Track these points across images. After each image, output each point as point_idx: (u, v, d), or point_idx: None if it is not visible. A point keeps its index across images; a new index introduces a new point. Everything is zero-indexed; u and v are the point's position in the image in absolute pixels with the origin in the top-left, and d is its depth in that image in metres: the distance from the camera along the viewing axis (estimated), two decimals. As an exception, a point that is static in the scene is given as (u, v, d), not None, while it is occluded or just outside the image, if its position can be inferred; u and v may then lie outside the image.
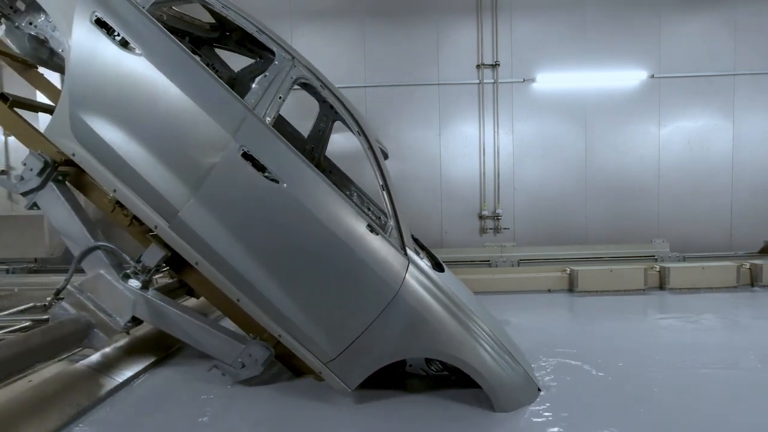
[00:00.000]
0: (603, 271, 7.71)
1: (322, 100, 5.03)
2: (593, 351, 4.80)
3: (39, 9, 4.03)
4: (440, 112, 9.57)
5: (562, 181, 9.59)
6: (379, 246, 3.52)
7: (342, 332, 3.53)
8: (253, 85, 3.70)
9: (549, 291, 7.89)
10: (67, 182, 4.03)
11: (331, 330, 3.55)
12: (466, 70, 9.54)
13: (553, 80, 9.49)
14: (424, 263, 3.69)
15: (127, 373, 4.22)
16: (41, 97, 4.99)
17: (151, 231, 3.74)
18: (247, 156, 3.48)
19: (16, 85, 6.85)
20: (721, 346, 4.96)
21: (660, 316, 6.30)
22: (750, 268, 7.92)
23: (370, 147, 3.74)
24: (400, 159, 9.34)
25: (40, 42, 4.20)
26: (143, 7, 3.59)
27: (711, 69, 9.38)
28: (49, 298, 4.00)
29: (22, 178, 3.86)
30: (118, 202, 3.98)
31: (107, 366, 4.17)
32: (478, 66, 9.49)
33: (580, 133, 9.54)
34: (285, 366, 4.25)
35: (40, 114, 4.76)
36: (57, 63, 4.48)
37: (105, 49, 3.52)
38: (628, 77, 9.48)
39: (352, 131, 3.82)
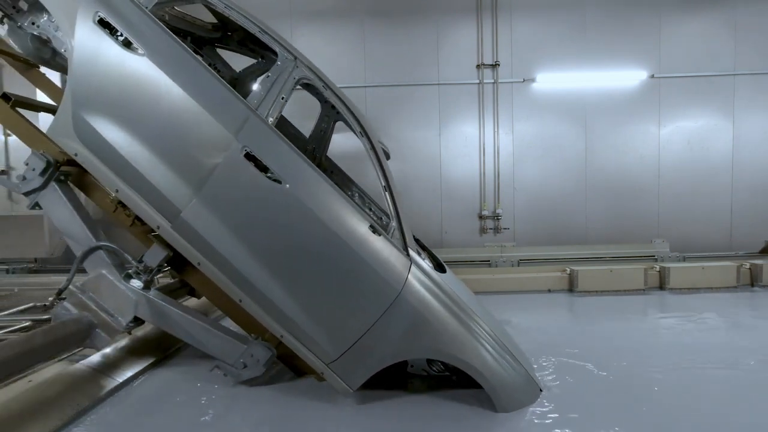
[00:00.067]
0: (603, 271, 7.72)
1: (323, 101, 5.02)
2: (594, 351, 4.81)
3: (42, 9, 4.03)
4: (440, 112, 9.58)
5: (562, 181, 9.60)
6: (381, 247, 3.52)
7: (344, 333, 3.53)
8: (256, 86, 3.70)
9: (549, 291, 7.90)
10: (69, 182, 4.03)
11: (334, 330, 3.55)
12: (466, 70, 9.55)
13: (553, 80, 9.49)
14: (426, 264, 3.70)
15: (128, 373, 4.22)
16: (41, 97, 5.00)
17: (153, 231, 3.74)
18: (249, 156, 3.48)
19: (16, 84, 6.85)
20: (722, 346, 4.97)
21: (660, 316, 6.31)
22: (750, 268, 7.93)
23: (373, 148, 3.74)
24: (400, 159, 9.34)
25: (43, 42, 4.20)
26: (146, 8, 3.59)
27: (711, 69, 9.39)
28: (51, 298, 4.00)
29: (24, 178, 3.85)
30: (120, 202, 3.98)
31: (108, 366, 4.17)
32: (478, 66, 9.49)
33: (580, 133, 9.55)
34: (286, 366, 4.26)
35: (40, 113, 4.76)
36: (59, 63, 4.48)
37: (108, 49, 3.52)
38: (628, 77, 9.49)
39: (354, 132, 3.82)
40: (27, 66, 4.69)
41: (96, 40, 3.53)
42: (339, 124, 5.12)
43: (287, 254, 3.54)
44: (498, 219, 9.61)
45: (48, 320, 5.10)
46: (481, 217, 9.65)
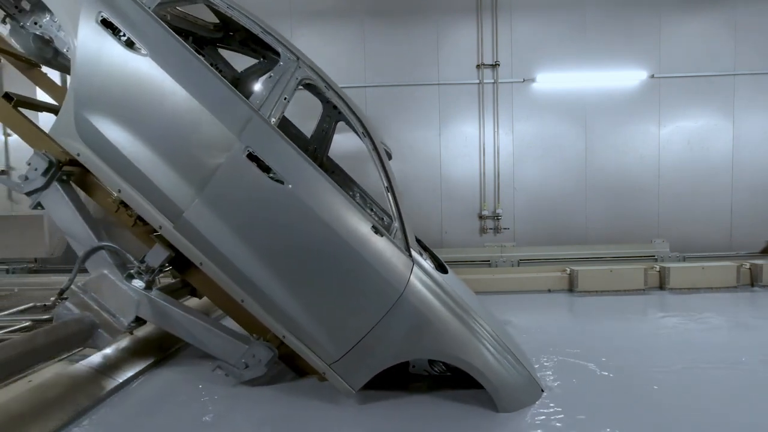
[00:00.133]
0: (603, 271, 7.73)
1: (325, 101, 5.02)
2: (595, 351, 4.82)
3: (44, 9, 4.03)
4: (440, 112, 9.57)
5: (562, 181, 9.60)
6: (383, 247, 3.53)
7: (347, 333, 3.54)
8: (258, 86, 3.70)
9: (549, 291, 7.91)
10: (71, 182, 4.03)
11: (336, 331, 3.55)
12: (466, 70, 9.53)
13: (553, 80, 9.48)
14: (428, 264, 3.70)
15: (128, 373, 4.22)
16: (41, 96, 4.99)
17: (154, 231, 3.74)
18: (252, 157, 3.48)
19: (15, 84, 6.85)
20: (723, 346, 4.97)
21: (660, 315, 6.31)
22: (750, 268, 7.95)
23: (375, 149, 3.74)
24: (400, 159, 9.33)
25: (45, 41, 4.19)
26: (149, 8, 3.59)
27: (711, 69, 9.38)
28: (53, 298, 4.00)
29: (26, 178, 3.85)
30: (122, 202, 3.98)
31: (108, 366, 4.17)
32: (478, 66, 9.48)
33: (580, 133, 9.54)
34: (288, 366, 4.26)
35: (40, 113, 4.76)
36: (61, 62, 4.48)
37: (111, 49, 3.52)
38: (628, 77, 9.48)
39: (356, 133, 3.82)
40: (29, 65, 4.69)
41: (99, 40, 3.53)
42: (340, 124, 5.14)
43: (290, 255, 3.55)
44: (498, 219, 9.61)
45: (48, 320, 5.11)
46: (481, 217, 9.64)
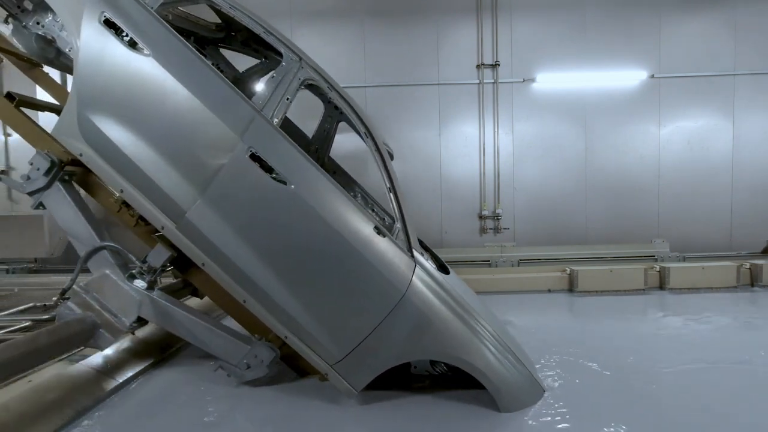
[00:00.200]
0: (603, 271, 7.74)
1: (327, 101, 5.02)
2: (595, 351, 4.82)
3: (47, 9, 4.03)
4: (440, 112, 9.58)
5: (562, 181, 9.61)
6: (386, 248, 3.53)
7: (349, 334, 3.54)
8: (260, 86, 3.70)
9: (549, 291, 7.92)
10: (73, 182, 4.03)
11: (338, 332, 3.55)
12: (466, 70, 9.54)
13: (553, 80, 9.49)
14: (430, 265, 3.70)
15: (128, 373, 4.21)
16: (41, 95, 4.99)
17: (156, 231, 3.74)
18: (254, 157, 3.48)
19: (15, 83, 6.85)
20: (723, 346, 4.98)
21: (660, 315, 6.32)
22: (750, 268, 7.96)
23: (378, 149, 3.73)
24: (400, 159, 9.32)
25: (48, 41, 4.19)
26: (152, 8, 3.59)
27: (711, 69, 9.40)
28: (55, 298, 4.01)
29: (28, 178, 3.85)
30: (124, 202, 3.98)
31: (109, 366, 4.16)
32: (478, 66, 9.49)
33: (580, 133, 9.55)
34: (289, 366, 4.25)
35: (40, 112, 4.76)
36: (63, 62, 4.47)
37: (113, 49, 3.52)
38: (628, 77, 9.49)
39: (359, 133, 3.82)
40: (30, 65, 4.69)
41: (102, 40, 3.53)
42: (341, 124, 5.14)
43: (292, 255, 3.54)
44: (498, 219, 9.61)
45: (48, 320, 5.12)
46: (481, 217, 9.65)
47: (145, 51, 3.52)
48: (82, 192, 4.16)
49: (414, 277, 3.52)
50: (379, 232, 3.53)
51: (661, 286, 7.84)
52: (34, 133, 4.11)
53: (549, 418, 3.47)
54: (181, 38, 3.56)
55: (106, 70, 3.54)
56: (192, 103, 3.48)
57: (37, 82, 4.82)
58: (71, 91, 3.59)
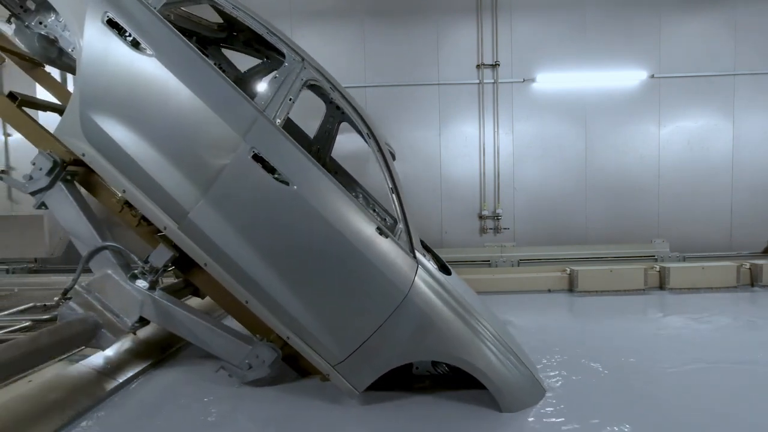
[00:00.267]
0: (603, 271, 7.74)
1: (328, 102, 5.03)
2: (595, 350, 4.83)
3: (49, 8, 4.04)
4: (440, 112, 9.57)
5: (562, 181, 9.61)
6: (388, 249, 3.53)
7: (351, 335, 3.54)
8: (262, 86, 3.70)
9: (549, 291, 7.93)
10: (75, 182, 4.03)
11: (340, 332, 3.55)
12: (466, 70, 9.54)
13: (553, 80, 9.49)
14: (431, 265, 3.71)
15: (129, 373, 4.21)
16: (41, 94, 4.99)
17: (159, 231, 3.74)
18: (257, 158, 3.48)
19: (15, 82, 6.84)
20: (723, 346, 4.99)
21: (660, 315, 6.33)
22: (750, 268, 7.97)
23: (380, 150, 3.73)
24: (400, 159, 9.28)
25: (50, 41, 4.19)
26: (155, 8, 3.59)
27: (711, 69, 9.40)
28: (56, 298, 4.02)
29: (31, 178, 3.85)
30: (126, 203, 3.98)
31: (110, 366, 4.17)
32: (478, 66, 9.49)
33: (580, 133, 9.56)
34: (290, 367, 4.26)
35: (40, 112, 4.76)
36: (65, 62, 4.47)
37: (116, 49, 3.53)
38: (628, 77, 9.49)
39: (361, 134, 3.83)
40: (32, 65, 4.69)
41: (105, 40, 3.53)
42: (342, 124, 5.14)
43: (295, 256, 3.54)
44: (498, 219, 9.61)
45: (48, 320, 5.12)
46: (481, 217, 9.65)
47: (148, 51, 3.52)
48: (84, 192, 4.16)
49: (416, 277, 3.52)
50: (381, 232, 3.53)
51: (661, 286, 7.85)
52: (36, 133, 4.11)
53: (551, 418, 3.48)
54: (184, 38, 3.56)
55: (109, 70, 3.54)
56: (195, 104, 3.48)
57: (39, 82, 4.82)
58: (74, 91, 3.59)
